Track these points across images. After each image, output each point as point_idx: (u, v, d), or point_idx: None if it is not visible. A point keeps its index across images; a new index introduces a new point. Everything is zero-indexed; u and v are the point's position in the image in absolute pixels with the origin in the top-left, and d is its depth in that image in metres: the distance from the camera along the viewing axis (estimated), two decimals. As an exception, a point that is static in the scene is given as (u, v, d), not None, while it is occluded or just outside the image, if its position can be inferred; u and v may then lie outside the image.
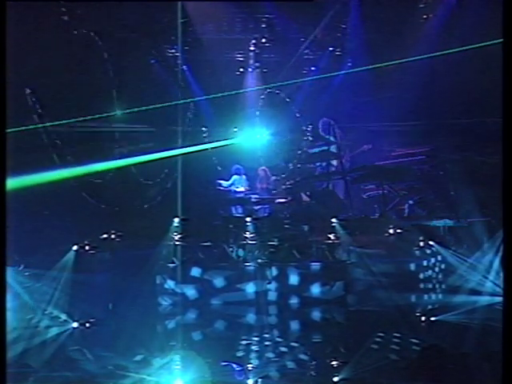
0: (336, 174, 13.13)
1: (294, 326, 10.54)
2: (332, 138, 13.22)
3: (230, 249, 12.00)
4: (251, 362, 8.59)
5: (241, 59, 14.10)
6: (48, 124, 12.17)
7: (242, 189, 13.27)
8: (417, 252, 11.16)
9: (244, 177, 13.46)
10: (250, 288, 11.28)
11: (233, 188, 13.37)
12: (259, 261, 11.50)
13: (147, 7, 12.59)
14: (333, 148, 13.06)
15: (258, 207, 12.93)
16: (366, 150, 13.14)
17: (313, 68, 14.07)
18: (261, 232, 11.95)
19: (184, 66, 13.59)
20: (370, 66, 13.14)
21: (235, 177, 13.49)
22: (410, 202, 12.61)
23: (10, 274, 9.99)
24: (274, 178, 13.52)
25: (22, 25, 11.02)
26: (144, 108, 11.98)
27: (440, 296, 10.74)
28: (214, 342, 9.59)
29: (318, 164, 13.32)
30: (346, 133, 13.55)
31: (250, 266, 11.54)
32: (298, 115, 13.77)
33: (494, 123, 9.62)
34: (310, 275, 11.38)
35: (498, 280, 9.93)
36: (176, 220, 11.83)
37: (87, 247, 11.37)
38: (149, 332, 9.72)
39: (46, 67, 12.18)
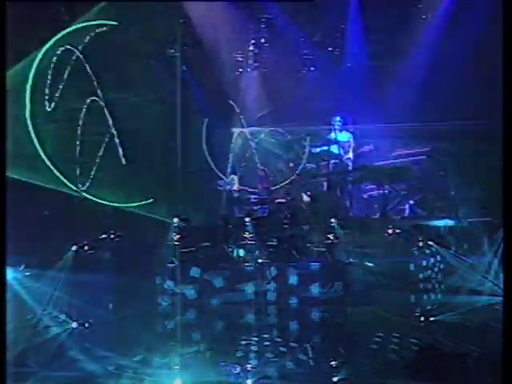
0: (337, 174, 13.10)
1: (294, 326, 10.53)
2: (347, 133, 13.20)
3: (230, 249, 12.00)
4: (250, 362, 8.58)
5: (240, 59, 14.11)
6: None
7: (236, 187, 13.32)
8: (417, 252, 11.16)
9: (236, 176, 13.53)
10: (250, 288, 11.28)
11: (229, 187, 13.41)
12: (259, 261, 11.50)
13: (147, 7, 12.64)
14: (333, 148, 13.05)
15: (258, 207, 12.93)
16: (366, 150, 13.13)
17: (312, 68, 14.09)
18: (260, 232, 11.95)
19: (183, 66, 13.62)
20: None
21: (233, 176, 13.56)
22: (411, 201, 12.61)
23: (11, 274, 10.01)
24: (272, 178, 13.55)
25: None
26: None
27: (439, 296, 10.74)
28: (212, 342, 9.59)
29: (322, 163, 13.28)
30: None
31: (250, 266, 11.54)
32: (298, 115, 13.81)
33: (495, 123, 9.61)
34: (310, 275, 11.37)
35: (498, 280, 9.92)
36: (175, 220, 11.83)
37: (86, 247, 11.37)
38: (148, 332, 9.72)
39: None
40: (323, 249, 11.70)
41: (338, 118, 13.15)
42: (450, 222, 11.77)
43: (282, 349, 9.12)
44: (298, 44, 13.94)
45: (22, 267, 10.67)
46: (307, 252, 11.92)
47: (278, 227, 12.29)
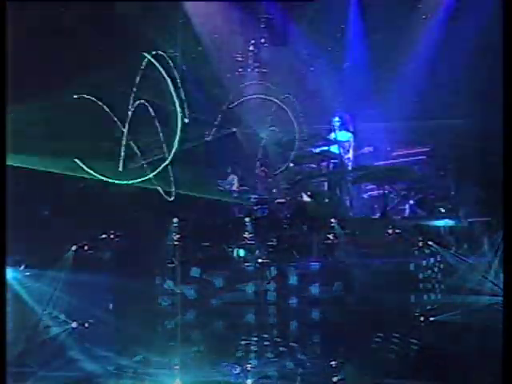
0: (337, 174, 13.10)
1: (294, 326, 10.54)
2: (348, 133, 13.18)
3: (230, 249, 12.00)
4: (250, 362, 8.59)
5: (240, 59, 14.10)
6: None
7: (235, 187, 13.33)
8: (417, 252, 11.15)
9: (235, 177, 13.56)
10: (250, 288, 11.28)
11: (228, 187, 13.43)
12: (259, 261, 11.51)
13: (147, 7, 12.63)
14: (333, 148, 13.04)
15: (258, 207, 12.93)
16: (366, 152, 13.12)
17: (312, 68, 14.09)
18: (260, 232, 11.94)
19: (183, 66, 13.60)
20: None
21: (232, 176, 13.57)
22: (411, 201, 12.59)
23: (11, 274, 10.02)
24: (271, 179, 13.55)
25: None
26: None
27: (439, 296, 10.73)
28: (213, 341, 9.60)
29: (322, 163, 13.25)
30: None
31: (250, 266, 11.54)
32: (297, 115, 13.80)
33: (495, 122, 9.60)
34: (310, 275, 11.37)
35: (498, 280, 9.92)
36: (175, 220, 11.83)
37: (86, 247, 11.36)
38: (148, 332, 9.72)
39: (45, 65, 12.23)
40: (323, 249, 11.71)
41: (338, 118, 13.15)
42: (450, 222, 11.74)
43: (281, 349, 9.13)
44: (297, 44, 13.94)
45: (22, 267, 10.67)
46: (307, 252, 11.91)
47: (277, 227, 12.28)
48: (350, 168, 13.01)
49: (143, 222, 12.35)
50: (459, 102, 12.40)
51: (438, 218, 11.92)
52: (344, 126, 13.16)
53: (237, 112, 14.22)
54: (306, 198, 12.97)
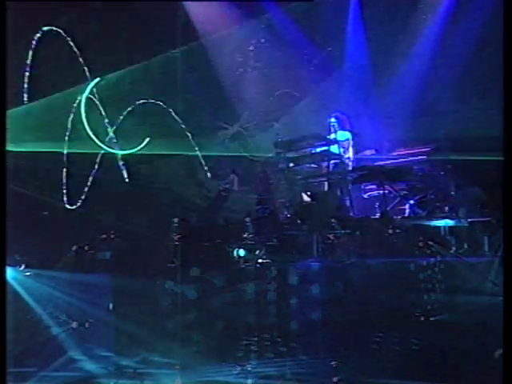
0: (337, 174, 13.09)
1: (294, 326, 10.54)
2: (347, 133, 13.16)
3: (230, 249, 12.00)
4: (250, 362, 8.59)
5: (240, 59, 14.12)
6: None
7: (236, 187, 13.34)
8: (417, 252, 11.15)
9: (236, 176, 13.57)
10: (250, 288, 11.28)
11: (228, 186, 13.44)
12: (259, 261, 11.51)
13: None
14: (333, 148, 13.03)
15: (258, 207, 12.93)
16: (368, 155, 13.11)
17: (312, 68, 14.11)
18: (260, 232, 11.94)
19: (184, 66, 13.62)
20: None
21: (232, 175, 13.58)
22: (411, 201, 12.58)
23: (11, 274, 10.03)
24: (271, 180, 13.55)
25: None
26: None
27: (439, 296, 10.74)
28: (213, 341, 9.60)
29: (323, 164, 13.24)
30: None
31: (250, 266, 11.53)
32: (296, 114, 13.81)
33: (495, 123, 9.62)
34: (310, 275, 11.37)
35: (498, 280, 9.93)
36: (176, 220, 11.84)
37: (86, 247, 11.38)
38: (148, 332, 9.72)
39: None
40: (323, 249, 11.70)
41: (336, 119, 13.14)
42: (450, 222, 11.74)
43: (281, 349, 9.13)
44: (297, 44, 13.96)
45: (22, 267, 10.68)
46: (307, 252, 11.91)
47: (278, 227, 12.28)
48: (350, 168, 13.01)
49: (143, 223, 12.38)
50: (459, 101, 12.42)
51: (438, 218, 11.91)
52: (343, 126, 13.16)
53: (237, 111, 14.25)
54: (306, 198, 12.97)
